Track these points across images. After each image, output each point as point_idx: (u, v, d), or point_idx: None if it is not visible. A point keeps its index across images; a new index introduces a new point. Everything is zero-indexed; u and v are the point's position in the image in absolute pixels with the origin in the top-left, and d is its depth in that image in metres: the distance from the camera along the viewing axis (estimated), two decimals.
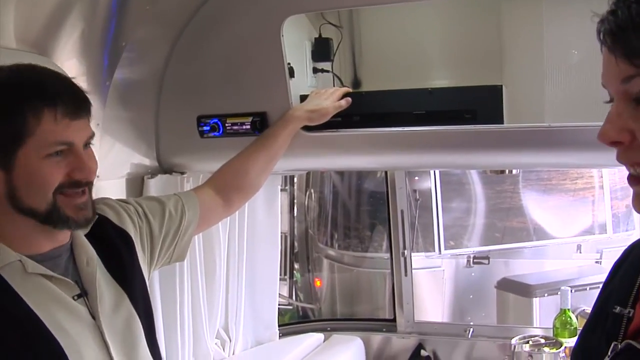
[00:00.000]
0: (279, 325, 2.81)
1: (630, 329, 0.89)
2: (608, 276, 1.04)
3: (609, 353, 0.88)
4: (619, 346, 0.87)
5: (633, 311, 0.90)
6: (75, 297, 1.42)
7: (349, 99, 2.02)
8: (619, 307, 0.92)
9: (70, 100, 1.34)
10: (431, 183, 4.61)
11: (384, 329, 2.97)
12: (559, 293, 2.57)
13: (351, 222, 4.98)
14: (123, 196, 2.05)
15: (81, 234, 1.49)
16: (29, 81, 1.34)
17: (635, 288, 0.92)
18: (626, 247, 1.05)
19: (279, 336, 2.78)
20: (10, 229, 1.37)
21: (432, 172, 4.54)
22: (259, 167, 1.98)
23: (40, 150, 1.31)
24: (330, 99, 2.01)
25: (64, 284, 1.40)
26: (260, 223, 2.58)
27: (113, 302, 1.48)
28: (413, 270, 3.00)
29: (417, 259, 4.50)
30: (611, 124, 0.80)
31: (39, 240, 1.39)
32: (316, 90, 2.09)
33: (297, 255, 5.18)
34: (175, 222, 1.76)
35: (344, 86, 2.26)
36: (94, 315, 1.43)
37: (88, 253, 1.48)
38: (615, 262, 1.05)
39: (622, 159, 0.82)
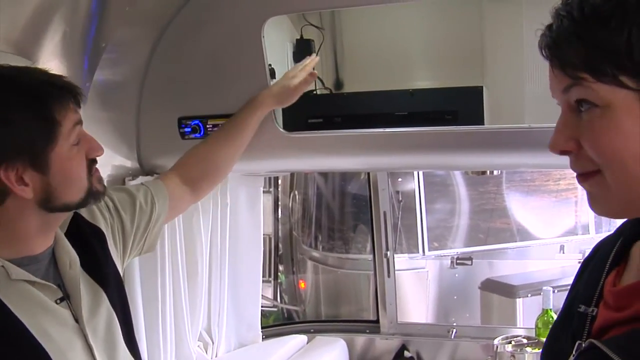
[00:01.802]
0: (262, 327, 2.80)
1: (594, 328, 0.89)
2: (576, 276, 1.05)
3: (574, 352, 0.89)
4: (583, 345, 0.87)
5: (597, 310, 0.91)
6: (58, 301, 1.41)
7: (315, 72, 1.99)
8: (583, 307, 0.93)
9: (78, 92, 1.40)
10: (415, 184, 4.62)
11: (368, 330, 2.97)
12: (541, 293, 2.58)
13: (335, 223, 4.98)
14: None
15: (63, 236, 1.49)
16: (47, 79, 1.37)
17: (599, 287, 0.93)
18: (594, 245, 1.06)
19: (262, 338, 2.77)
20: (8, 231, 1.36)
21: (415, 173, 4.55)
22: (227, 155, 1.97)
23: (69, 138, 1.36)
24: (298, 76, 1.97)
25: (47, 288, 1.39)
26: (242, 224, 2.57)
27: (93, 303, 1.48)
28: (397, 272, 3.00)
29: (401, 260, 4.51)
30: (559, 134, 0.85)
31: (36, 242, 1.40)
32: (283, 76, 2.03)
33: (282, 257, 5.18)
34: (145, 214, 1.76)
35: (326, 88, 2.26)
36: (76, 319, 1.42)
37: (71, 256, 1.47)
38: (583, 261, 1.05)
39: (573, 167, 0.86)
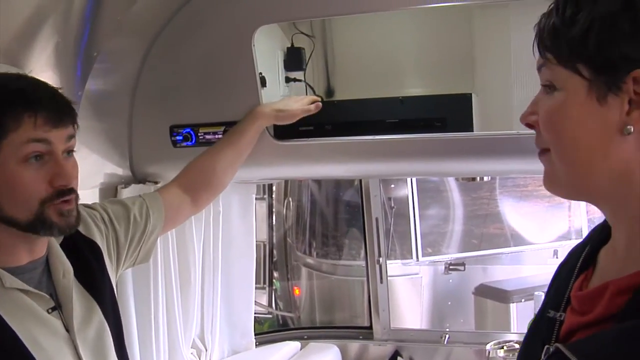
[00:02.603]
0: (256, 334, 2.81)
1: (561, 332, 0.91)
2: (550, 281, 1.07)
3: (542, 357, 0.90)
4: (550, 349, 0.89)
5: (565, 314, 0.93)
6: (50, 310, 1.41)
7: (319, 104, 2.03)
8: (552, 312, 0.95)
9: (53, 109, 1.34)
10: (408, 190, 4.63)
11: (361, 337, 2.98)
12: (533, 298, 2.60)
13: (329, 230, 4.99)
14: None
15: (57, 246, 1.49)
16: (12, 87, 1.34)
17: (567, 292, 0.95)
18: (569, 251, 1.08)
19: (256, 345, 2.78)
20: None
21: (408, 179, 4.56)
22: (227, 164, 1.98)
23: (16, 153, 1.30)
24: (300, 102, 2.02)
25: (39, 297, 1.40)
26: (235, 232, 2.58)
27: (85, 313, 1.48)
28: (391, 278, 3.01)
29: (395, 266, 4.53)
30: (527, 108, 0.93)
31: (18, 252, 1.39)
32: (287, 96, 2.11)
33: (276, 264, 5.19)
34: (140, 227, 1.76)
35: (317, 96, 2.27)
36: (67, 328, 1.43)
37: (65, 266, 1.48)
38: (557, 267, 1.07)
39: (535, 143, 0.93)
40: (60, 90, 1.41)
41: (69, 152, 1.40)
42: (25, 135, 1.31)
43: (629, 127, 0.80)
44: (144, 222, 1.77)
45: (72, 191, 1.39)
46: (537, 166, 0.93)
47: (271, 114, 2.00)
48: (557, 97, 0.87)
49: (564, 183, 0.89)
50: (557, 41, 0.85)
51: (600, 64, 0.81)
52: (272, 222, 5.02)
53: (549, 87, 0.88)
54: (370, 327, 2.97)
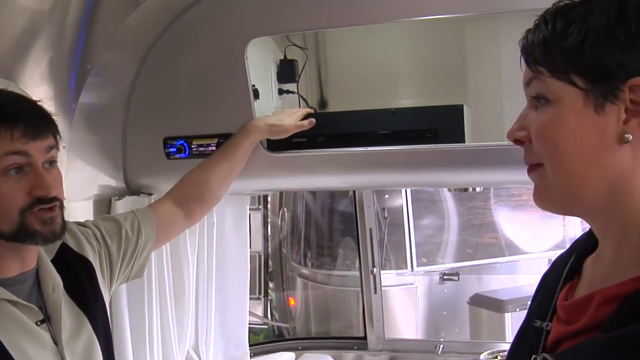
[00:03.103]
0: (251, 345, 2.81)
1: (548, 342, 0.92)
2: (535, 291, 1.08)
3: None
4: (538, 359, 0.90)
5: (551, 324, 0.94)
6: (39, 323, 1.42)
7: (313, 120, 2.03)
8: (539, 321, 0.96)
9: (30, 122, 1.36)
10: (402, 200, 4.64)
11: (355, 347, 2.99)
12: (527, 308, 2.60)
13: (324, 240, 5.00)
14: (90, 217, 2.06)
15: (47, 260, 1.50)
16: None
17: (554, 301, 0.96)
18: (553, 260, 1.09)
19: (250, 356, 2.79)
20: None
21: (403, 189, 4.57)
22: (220, 178, 1.98)
23: None
24: (293, 117, 2.03)
25: (29, 309, 1.41)
26: (229, 243, 2.59)
27: (74, 327, 1.49)
28: (386, 288, 3.03)
29: (390, 276, 4.53)
30: (515, 124, 0.93)
31: (7, 264, 1.40)
32: (280, 109, 2.10)
33: (272, 274, 5.18)
34: (132, 242, 1.77)
35: (309, 107, 2.29)
36: (55, 341, 1.44)
37: (54, 279, 1.49)
38: (542, 276, 1.08)
39: (524, 160, 0.93)
40: (39, 103, 1.42)
41: (51, 162, 1.42)
42: (3, 148, 1.32)
43: (627, 135, 0.82)
44: (135, 237, 1.78)
45: (54, 200, 1.40)
46: (526, 177, 0.94)
47: (264, 129, 2.00)
48: (550, 109, 0.87)
49: (557, 197, 0.90)
50: (549, 53, 0.86)
51: (596, 74, 0.83)
52: (267, 232, 5.03)
53: (539, 100, 0.89)
54: (365, 338, 2.99)
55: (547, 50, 0.87)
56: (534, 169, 0.91)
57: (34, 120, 1.37)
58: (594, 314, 0.84)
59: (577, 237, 1.01)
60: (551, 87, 0.87)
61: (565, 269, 0.99)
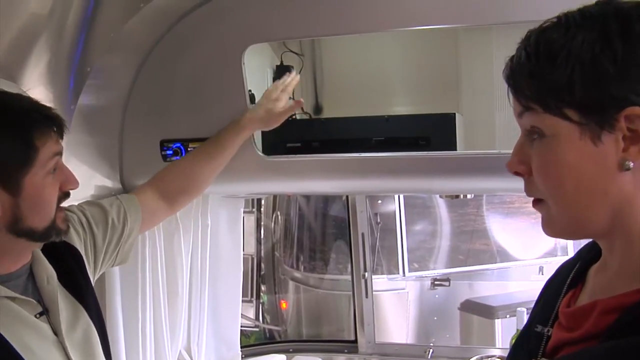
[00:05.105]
0: (242, 347, 2.83)
1: (548, 348, 0.93)
2: (538, 296, 1.09)
3: None
4: None
5: (552, 330, 0.95)
6: (38, 315, 1.45)
7: (301, 100, 2.04)
8: (540, 326, 0.97)
9: (62, 123, 1.45)
10: (395, 206, 4.67)
11: (346, 350, 3.01)
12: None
13: (316, 244, 5.02)
14: None
15: (40, 253, 1.53)
16: (26, 106, 1.42)
17: (556, 308, 0.97)
18: (558, 267, 1.10)
19: (242, 357, 2.80)
20: None
21: (396, 195, 4.60)
22: (206, 172, 1.99)
23: (45, 167, 1.40)
24: (282, 99, 1.98)
25: (27, 303, 1.44)
26: (223, 245, 2.60)
27: (72, 317, 1.52)
28: (378, 293, 3.05)
29: (381, 281, 4.56)
30: (514, 156, 0.92)
31: (6, 261, 1.43)
32: (267, 91, 2.01)
33: (264, 277, 5.20)
34: (117, 230, 1.79)
35: (305, 113, 2.31)
36: (55, 332, 1.47)
37: (48, 271, 1.52)
38: (546, 283, 1.09)
39: (525, 192, 0.93)
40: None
41: None
42: (50, 149, 1.41)
43: (627, 162, 0.81)
44: (121, 225, 1.81)
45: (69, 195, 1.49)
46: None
47: (257, 124, 1.99)
48: (548, 145, 0.86)
49: (563, 227, 0.90)
50: (539, 90, 0.85)
51: (590, 107, 0.82)
52: (260, 235, 5.05)
53: (534, 133, 0.87)
54: (356, 341, 3.00)
55: (535, 86, 0.85)
56: (537, 202, 0.92)
57: (62, 122, 1.45)
58: (595, 322, 0.85)
59: (575, 245, 1.01)
60: (546, 122, 0.85)
61: (570, 276, 1.00)
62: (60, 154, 1.44)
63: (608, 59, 0.80)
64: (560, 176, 0.86)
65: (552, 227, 0.91)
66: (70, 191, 1.50)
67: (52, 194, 1.43)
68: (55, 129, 1.42)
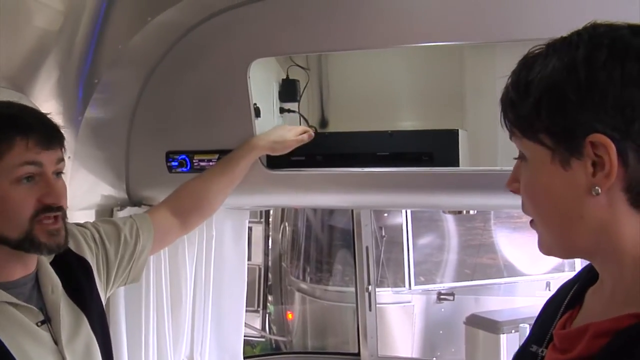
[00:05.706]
0: (246, 357, 2.83)
1: None
2: (538, 315, 1.10)
3: None
4: None
5: (546, 351, 0.96)
6: (39, 324, 1.47)
7: (312, 133, 2.07)
8: (535, 346, 0.99)
9: (43, 133, 1.42)
10: (402, 219, 4.67)
11: None
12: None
13: (323, 256, 5.03)
14: None
15: (47, 262, 1.54)
16: (3, 113, 1.42)
17: (552, 328, 0.98)
18: (559, 286, 1.11)
19: None
20: None
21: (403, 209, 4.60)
22: (219, 191, 2.02)
23: (10, 174, 1.38)
24: (293, 131, 2.06)
25: (29, 311, 1.46)
26: (227, 256, 2.61)
27: (74, 327, 1.54)
28: (383, 306, 3.05)
29: (387, 294, 4.56)
30: (511, 175, 0.96)
31: (10, 268, 1.45)
32: (279, 125, 2.14)
33: (271, 288, 5.21)
34: (130, 247, 1.81)
35: (310, 126, 2.33)
36: (56, 341, 1.48)
37: (53, 281, 1.53)
38: (546, 301, 1.10)
39: (522, 209, 0.95)
40: (48, 116, 1.49)
41: (58, 173, 1.47)
42: (18, 158, 1.38)
43: (596, 188, 0.83)
44: (133, 242, 1.82)
45: (60, 209, 1.45)
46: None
47: (266, 146, 2.04)
48: (527, 167, 0.90)
49: (551, 247, 0.92)
50: (516, 116, 0.89)
51: (558, 133, 0.84)
52: (267, 246, 5.06)
53: (522, 155, 0.92)
54: (359, 354, 3.01)
55: (514, 111, 0.89)
56: (532, 221, 0.94)
57: (46, 131, 1.44)
58: (587, 345, 0.86)
59: (583, 261, 1.03)
60: (525, 146, 0.90)
61: (568, 297, 1.01)
62: (36, 164, 1.40)
63: (571, 86, 0.82)
64: (537, 198, 0.90)
65: (543, 246, 0.94)
66: (65, 206, 1.48)
67: (21, 205, 1.39)
68: (27, 137, 1.39)
